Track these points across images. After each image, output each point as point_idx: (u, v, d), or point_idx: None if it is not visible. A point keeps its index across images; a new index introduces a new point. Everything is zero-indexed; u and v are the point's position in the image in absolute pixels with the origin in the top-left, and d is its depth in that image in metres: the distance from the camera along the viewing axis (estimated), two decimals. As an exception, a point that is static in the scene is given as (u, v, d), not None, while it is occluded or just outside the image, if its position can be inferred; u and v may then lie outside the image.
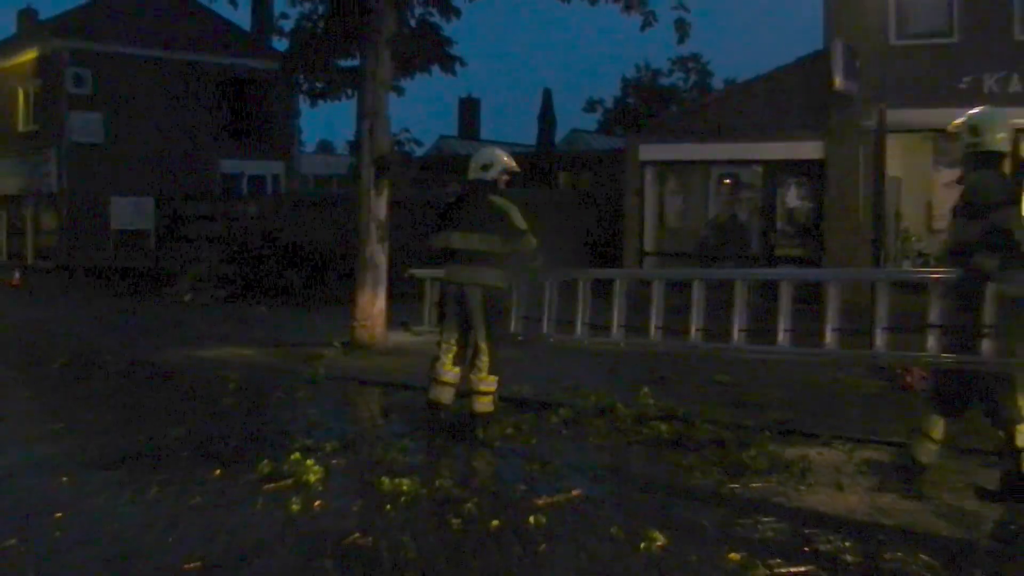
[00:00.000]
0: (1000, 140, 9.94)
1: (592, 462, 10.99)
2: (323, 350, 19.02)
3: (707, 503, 9.63)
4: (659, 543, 8.23)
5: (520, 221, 12.71)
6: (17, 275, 42.27)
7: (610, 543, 8.44)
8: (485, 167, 13.03)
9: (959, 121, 10.16)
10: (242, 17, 75.94)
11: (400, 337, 20.04)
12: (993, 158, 9.95)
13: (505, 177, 13.10)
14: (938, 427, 10.11)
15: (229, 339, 20.71)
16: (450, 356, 12.76)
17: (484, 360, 12.50)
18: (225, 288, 33.55)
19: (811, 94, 29.75)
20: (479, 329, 12.55)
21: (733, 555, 8.00)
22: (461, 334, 12.76)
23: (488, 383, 12.53)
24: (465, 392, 12.48)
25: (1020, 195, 9.79)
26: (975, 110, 10.26)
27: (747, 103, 31.87)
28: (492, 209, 12.69)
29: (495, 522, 8.93)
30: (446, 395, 12.82)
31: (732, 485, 10.23)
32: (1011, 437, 9.69)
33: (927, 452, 10.23)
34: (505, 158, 13.17)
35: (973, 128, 9.99)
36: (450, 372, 12.75)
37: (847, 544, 8.31)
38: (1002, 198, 9.44)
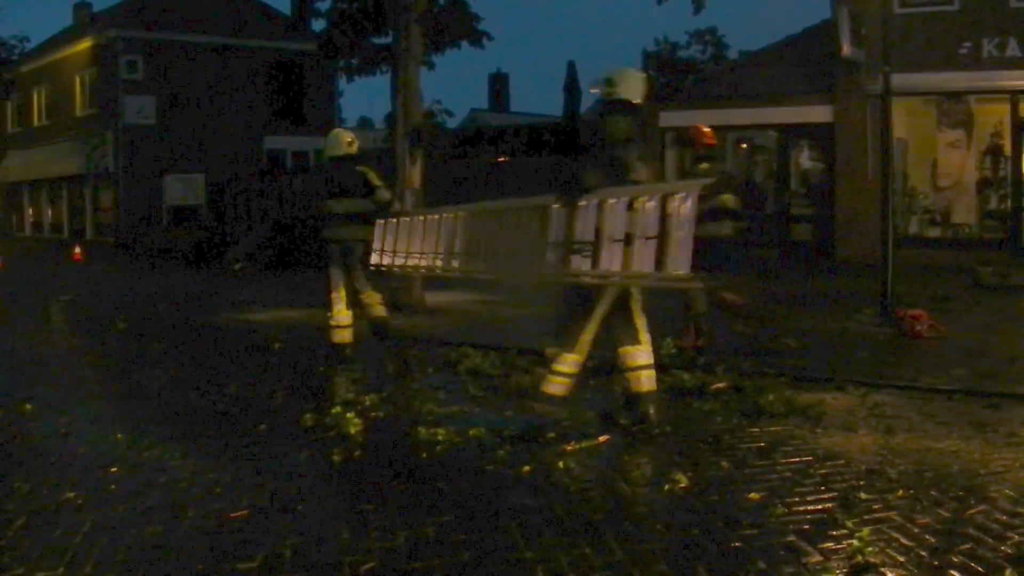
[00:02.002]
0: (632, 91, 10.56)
1: (618, 410, 10.89)
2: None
3: (727, 446, 9.56)
4: (682, 484, 8.16)
5: (376, 180, 15.07)
6: (78, 250, 42.46)
7: (635, 485, 8.42)
8: (351, 143, 15.45)
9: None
10: (281, 2, 76.06)
11: (438, 298, 20.02)
12: (629, 107, 10.53)
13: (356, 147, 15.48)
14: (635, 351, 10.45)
15: (277, 304, 20.73)
16: (343, 303, 15.10)
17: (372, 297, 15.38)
18: (271, 257, 33.55)
19: (820, 61, 29.63)
20: (360, 275, 15.16)
21: (752, 495, 7.93)
22: (347, 282, 15.05)
23: (373, 296, 15.46)
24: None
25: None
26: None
27: (760, 70, 31.78)
28: (359, 176, 15.07)
29: (526, 467, 8.88)
30: (349, 335, 15.15)
31: (751, 429, 10.18)
32: (623, 358, 10.42)
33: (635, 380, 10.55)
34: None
35: (608, 80, 10.57)
36: (347, 316, 15.12)
37: (861, 483, 8.23)
38: (625, 138, 10.32)
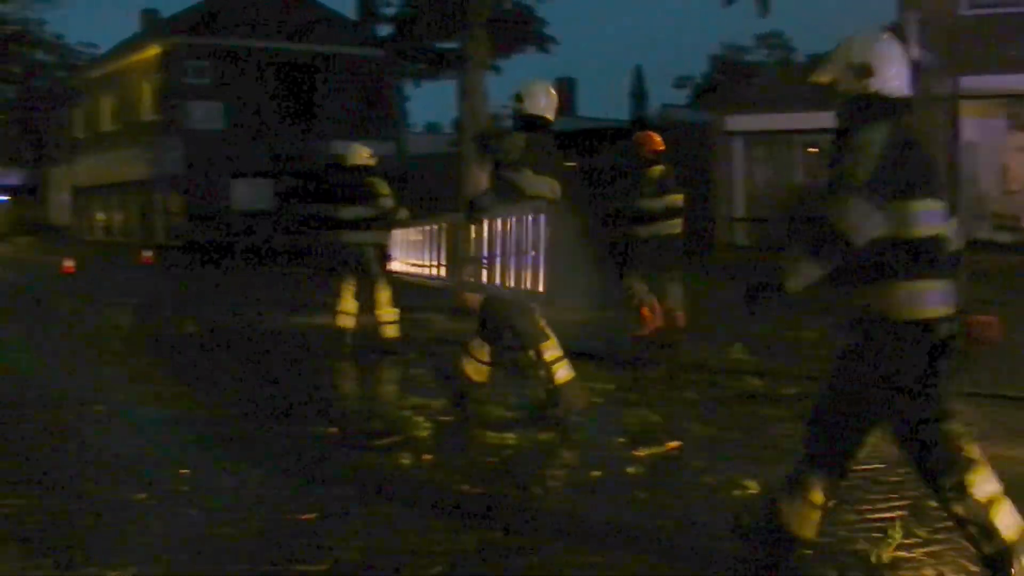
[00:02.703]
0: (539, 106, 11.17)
1: (688, 415, 10.89)
2: (431, 315, 19.02)
3: (796, 452, 9.51)
4: (752, 491, 8.11)
5: (382, 190, 16.18)
6: (147, 253, 42.79)
7: (705, 492, 8.34)
8: (369, 156, 16.56)
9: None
10: (347, 8, 76.40)
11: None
12: (534, 121, 11.10)
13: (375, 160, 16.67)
14: (483, 350, 11.34)
15: (366, 308, 20.81)
16: (351, 295, 16.33)
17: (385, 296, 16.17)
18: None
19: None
20: (377, 275, 16.15)
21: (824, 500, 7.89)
22: (357, 280, 16.24)
23: (390, 313, 16.21)
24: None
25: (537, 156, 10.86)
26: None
27: (828, 74, 31.64)
28: (367, 185, 16.24)
29: (595, 473, 8.87)
30: (352, 322, 16.41)
31: (822, 435, 10.13)
32: (539, 355, 10.87)
33: (477, 372, 11.40)
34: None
35: (517, 95, 11.21)
36: (352, 304, 16.38)
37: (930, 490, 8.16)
38: (516, 159, 10.77)
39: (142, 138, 56.05)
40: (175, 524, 7.78)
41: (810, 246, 5.90)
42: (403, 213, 16.42)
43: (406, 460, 9.44)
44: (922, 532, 7.15)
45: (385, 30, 24.57)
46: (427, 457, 9.55)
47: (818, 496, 6.25)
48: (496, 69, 21.89)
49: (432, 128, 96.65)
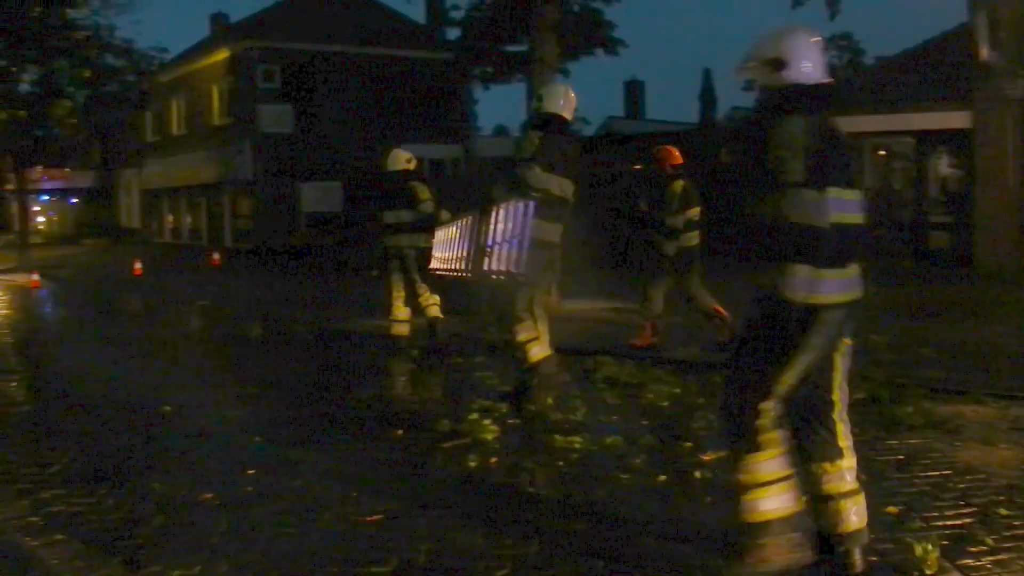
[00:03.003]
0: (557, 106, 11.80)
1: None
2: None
3: (864, 458, 9.42)
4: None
5: (422, 195, 16.81)
6: (216, 255, 43.07)
7: (772, 495, 8.30)
8: (409, 160, 17.26)
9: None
10: (415, 11, 76.47)
11: (573, 305, 20.00)
12: (551, 121, 11.68)
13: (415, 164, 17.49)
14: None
15: (413, 310, 20.78)
16: (401, 301, 16.84)
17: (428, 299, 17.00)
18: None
19: (957, 66, 29.18)
20: (417, 279, 16.75)
21: (890, 508, 7.78)
22: (405, 283, 16.74)
23: (430, 299, 17.09)
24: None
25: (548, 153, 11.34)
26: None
27: (896, 76, 31.37)
28: (409, 190, 16.86)
29: (662, 477, 8.84)
30: (406, 329, 16.94)
31: (889, 441, 10.01)
32: (513, 335, 11.60)
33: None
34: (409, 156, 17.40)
35: (537, 95, 12.03)
36: (404, 312, 16.90)
37: (1001, 498, 8.06)
38: (528, 156, 11.35)
39: (212, 141, 56.37)
40: (241, 525, 7.83)
41: (785, 250, 6.11)
42: (445, 216, 16.25)
43: (472, 463, 9.45)
44: (989, 540, 7.06)
45: (453, 33, 24.64)
46: (493, 460, 9.56)
47: (757, 473, 6.55)
48: (564, 72, 21.76)
49: (500, 131, 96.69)
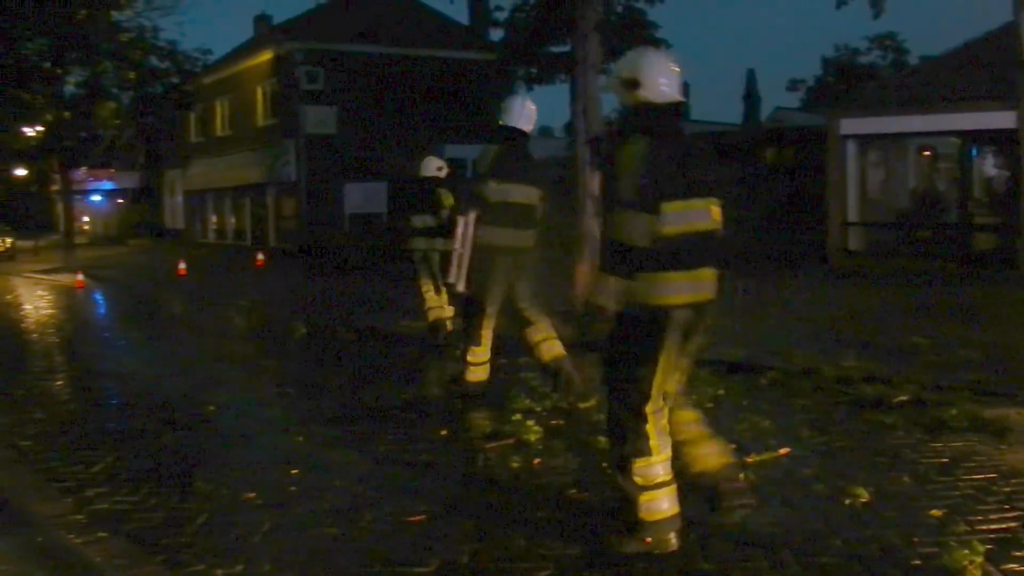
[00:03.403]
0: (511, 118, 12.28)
1: (799, 422, 10.79)
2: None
3: (908, 461, 9.38)
4: (862, 499, 8.00)
5: (446, 201, 17.64)
6: (260, 256, 43.23)
7: (815, 499, 8.23)
8: (440, 168, 18.17)
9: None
10: (458, 12, 76.56)
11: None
12: (507, 133, 12.22)
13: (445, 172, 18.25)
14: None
15: (458, 310, 20.78)
16: (431, 291, 17.60)
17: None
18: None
19: (1003, 65, 28.97)
20: (440, 281, 17.11)
21: (934, 512, 7.73)
22: (434, 281, 17.47)
23: (438, 301, 17.68)
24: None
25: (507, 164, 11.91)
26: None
27: (941, 76, 31.18)
28: (434, 196, 17.80)
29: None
30: (445, 313, 17.65)
31: (933, 444, 9.92)
32: (464, 354, 12.67)
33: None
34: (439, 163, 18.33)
35: (499, 107, 12.75)
36: (436, 299, 17.61)
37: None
38: (484, 171, 11.99)
39: (256, 142, 56.54)
40: (283, 524, 7.85)
41: (601, 261, 6.87)
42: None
43: (515, 463, 9.44)
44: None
45: (497, 35, 24.63)
46: (537, 461, 9.55)
47: (650, 476, 7.02)
48: (608, 73, 21.69)
49: (544, 132, 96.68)
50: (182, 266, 38.29)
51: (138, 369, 16.25)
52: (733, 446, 9.76)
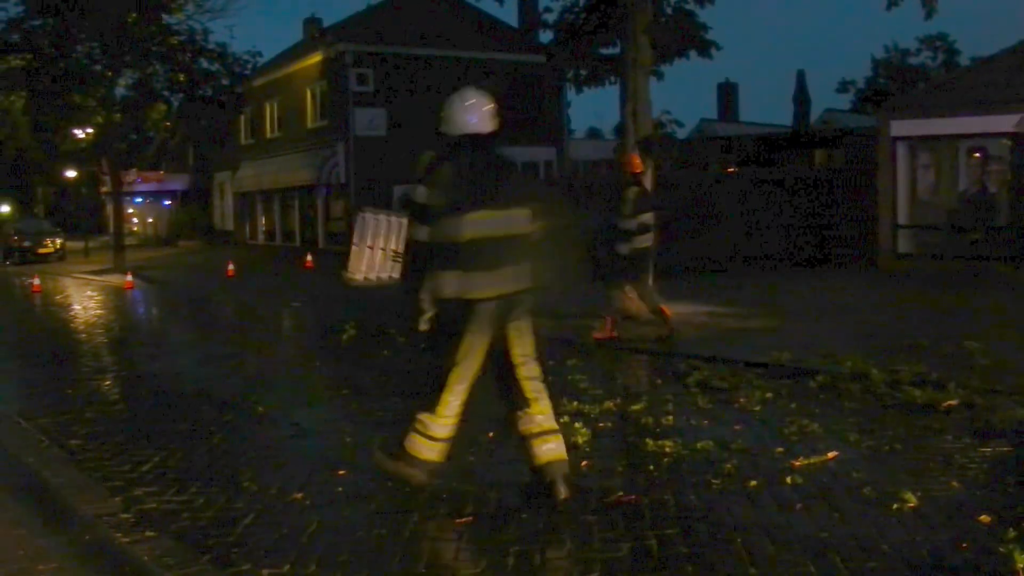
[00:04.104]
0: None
1: (847, 426, 10.73)
2: (593, 321, 18.94)
3: (958, 466, 9.31)
4: (911, 504, 7.95)
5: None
6: (310, 257, 43.38)
7: (863, 504, 8.16)
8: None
9: None
10: (508, 14, 76.59)
11: (666, 308, 19.93)
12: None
13: None
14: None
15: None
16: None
17: None
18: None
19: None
20: None
21: (983, 517, 7.66)
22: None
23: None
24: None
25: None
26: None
27: (993, 77, 30.95)
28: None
29: (753, 482, 8.77)
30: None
31: (982, 448, 9.85)
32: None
33: None
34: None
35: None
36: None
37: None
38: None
39: (305, 144, 56.71)
40: (330, 525, 7.88)
41: (437, 261, 8.25)
42: None
43: (563, 466, 9.42)
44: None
45: (546, 36, 24.63)
46: (584, 464, 9.55)
47: (432, 430, 8.55)
48: (658, 74, 21.66)
49: (594, 133, 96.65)
50: (231, 267, 38.47)
51: (187, 369, 16.35)
52: (780, 449, 9.77)
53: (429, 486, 8.55)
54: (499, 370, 8.70)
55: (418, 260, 8.42)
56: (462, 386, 8.52)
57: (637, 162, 17.70)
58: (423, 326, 8.42)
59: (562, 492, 8.24)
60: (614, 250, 17.20)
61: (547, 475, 8.35)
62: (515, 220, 8.38)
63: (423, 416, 8.57)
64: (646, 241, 17.31)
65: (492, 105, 9.01)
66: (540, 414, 8.65)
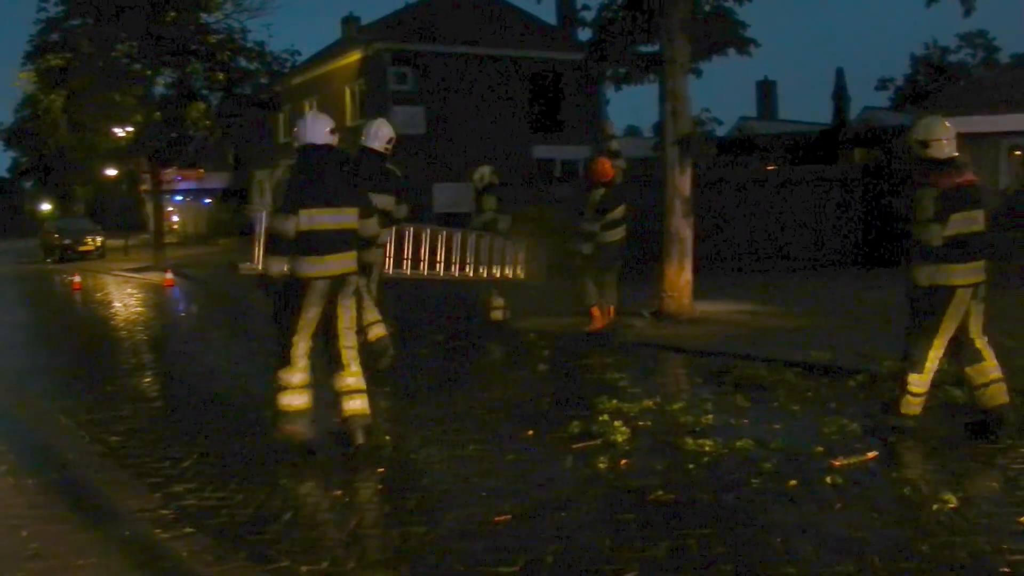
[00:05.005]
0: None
1: (887, 425, 10.67)
2: (632, 319, 18.91)
3: (999, 466, 9.27)
4: (951, 505, 7.92)
5: (486, 205, 19.92)
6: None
7: (903, 504, 8.18)
8: (480, 177, 19.98)
9: None
10: (546, 12, 76.58)
11: (706, 307, 19.87)
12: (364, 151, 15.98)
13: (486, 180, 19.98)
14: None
15: (547, 311, 20.73)
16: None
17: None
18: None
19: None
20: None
21: (1023, 519, 7.69)
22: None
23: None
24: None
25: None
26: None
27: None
28: (479, 202, 20.13)
29: (792, 481, 8.76)
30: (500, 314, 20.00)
31: (1022, 448, 9.83)
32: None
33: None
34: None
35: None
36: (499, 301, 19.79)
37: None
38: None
39: (344, 143, 56.81)
40: (368, 522, 7.94)
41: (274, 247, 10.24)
42: (502, 224, 20.06)
43: (602, 464, 9.46)
44: None
45: (584, 34, 24.57)
46: (623, 462, 9.55)
47: (288, 380, 10.19)
48: (697, 72, 21.57)
49: (632, 131, 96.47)
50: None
51: (226, 367, 16.42)
52: (820, 449, 9.74)
53: (300, 434, 10.19)
54: (325, 338, 10.45)
55: (269, 246, 10.41)
56: (305, 343, 10.27)
57: (608, 168, 18.28)
58: (263, 293, 10.42)
59: (359, 438, 10.21)
60: (576, 249, 18.25)
61: (350, 424, 10.25)
62: (344, 217, 10.39)
63: (279, 372, 10.23)
64: (615, 235, 18.25)
65: (332, 125, 10.88)
66: (351, 376, 10.41)
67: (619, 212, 18.10)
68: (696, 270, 19.90)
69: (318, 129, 10.61)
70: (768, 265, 30.38)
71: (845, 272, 28.33)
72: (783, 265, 29.82)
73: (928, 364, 10.33)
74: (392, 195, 15.78)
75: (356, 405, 10.29)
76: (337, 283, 10.25)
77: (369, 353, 13.99)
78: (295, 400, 10.12)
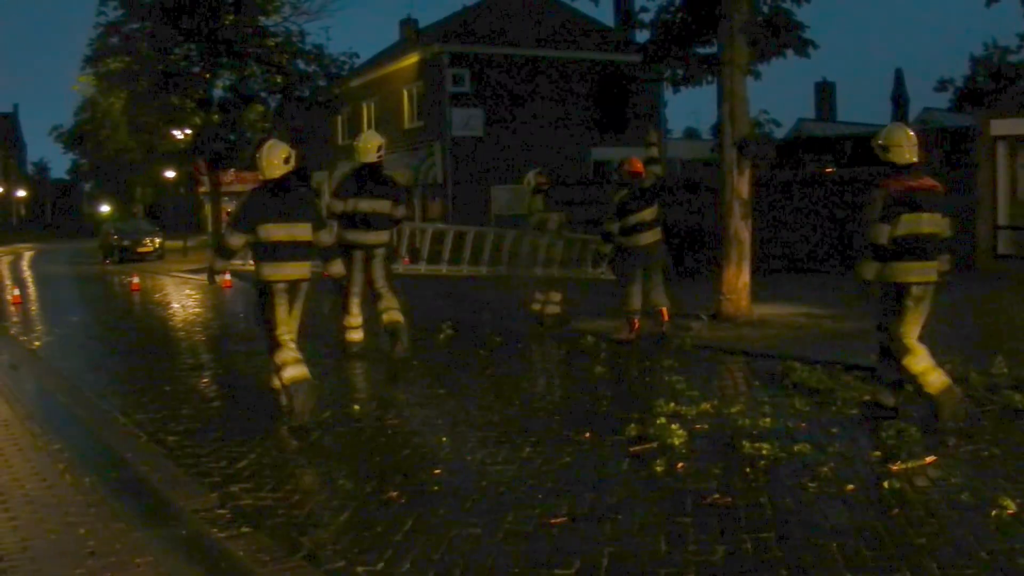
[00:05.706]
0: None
1: (945, 430, 10.60)
2: (690, 322, 18.87)
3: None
4: (1010, 511, 7.83)
5: (534, 205, 20.94)
6: (407, 257, 43.48)
7: (961, 509, 8.07)
8: (527, 182, 20.85)
9: None
10: (604, 14, 76.47)
11: (763, 310, 19.80)
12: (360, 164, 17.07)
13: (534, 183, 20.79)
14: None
15: (601, 314, 20.71)
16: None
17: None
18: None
19: None
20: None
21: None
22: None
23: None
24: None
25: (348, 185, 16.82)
26: None
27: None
28: (530, 203, 21.10)
29: (850, 486, 8.71)
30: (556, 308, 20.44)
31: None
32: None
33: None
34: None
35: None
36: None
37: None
38: (333, 191, 17.81)
39: (402, 145, 56.89)
40: (424, 524, 7.92)
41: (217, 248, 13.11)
42: (551, 222, 20.95)
43: (659, 467, 9.44)
44: None
45: (643, 36, 24.50)
46: (680, 465, 9.52)
47: (284, 358, 12.04)
48: (755, 74, 21.49)
49: (690, 133, 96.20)
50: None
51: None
52: (878, 453, 9.68)
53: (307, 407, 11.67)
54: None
55: (217, 250, 13.33)
56: (286, 335, 12.20)
57: (637, 166, 18.07)
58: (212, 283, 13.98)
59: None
60: (599, 249, 19.04)
61: (290, 392, 11.83)
62: (297, 230, 12.32)
63: (273, 357, 12.23)
64: (640, 239, 17.75)
65: (287, 153, 12.40)
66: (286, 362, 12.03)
67: (647, 214, 17.74)
68: (753, 271, 19.86)
69: (274, 157, 12.30)
70: (828, 267, 30.26)
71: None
72: (842, 267, 29.67)
73: (909, 341, 10.88)
74: (389, 199, 16.73)
75: (295, 373, 11.95)
76: (294, 287, 12.40)
77: (387, 337, 16.58)
78: (293, 370, 11.91)
